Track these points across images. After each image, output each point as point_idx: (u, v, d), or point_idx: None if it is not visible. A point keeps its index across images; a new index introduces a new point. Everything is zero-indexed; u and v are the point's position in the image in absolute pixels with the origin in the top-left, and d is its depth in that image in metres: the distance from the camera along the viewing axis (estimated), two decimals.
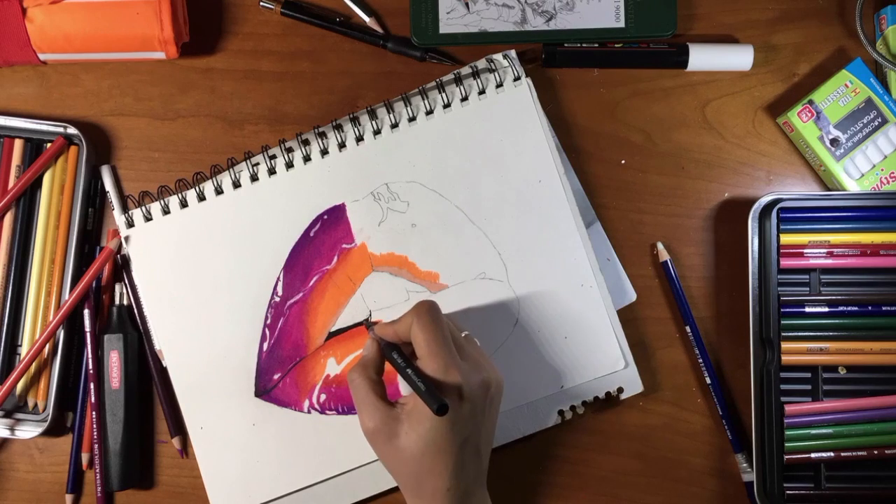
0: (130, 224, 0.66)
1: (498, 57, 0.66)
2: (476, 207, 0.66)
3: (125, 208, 0.67)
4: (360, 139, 0.66)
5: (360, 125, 0.65)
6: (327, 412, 0.65)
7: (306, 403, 0.65)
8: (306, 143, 0.66)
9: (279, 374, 0.65)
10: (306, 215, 0.66)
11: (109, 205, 0.67)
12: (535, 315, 0.65)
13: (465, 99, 0.66)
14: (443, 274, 0.66)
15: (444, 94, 0.65)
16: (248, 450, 0.65)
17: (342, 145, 0.66)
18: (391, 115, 0.65)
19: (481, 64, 0.66)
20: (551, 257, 0.65)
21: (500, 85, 0.66)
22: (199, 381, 0.65)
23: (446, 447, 0.55)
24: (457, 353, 0.57)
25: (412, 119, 0.66)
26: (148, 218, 0.65)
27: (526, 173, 0.66)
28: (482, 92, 0.66)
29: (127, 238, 0.65)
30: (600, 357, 0.65)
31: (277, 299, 0.66)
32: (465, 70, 0.66)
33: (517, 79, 0.66)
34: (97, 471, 0.65)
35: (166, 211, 0.66)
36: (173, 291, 0.65)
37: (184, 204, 0.66)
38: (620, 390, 0.66)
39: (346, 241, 0.66)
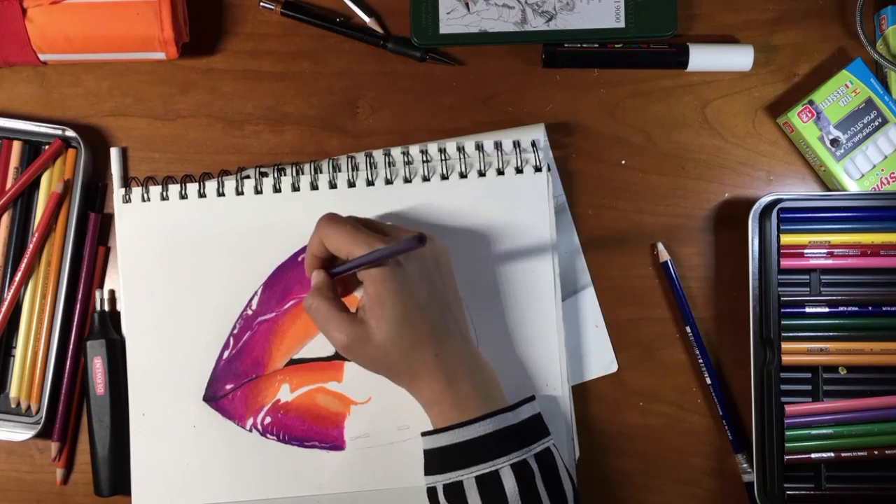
0: (127, 200, 0.66)
1: (525, 140, 0.65)
2: (464, 279, 0.64)
3: (126, 185, 0.66)
4: (370, 183, 0.65)
5: (375, 169, 0.65)
6: (268, 436, 0.64)
7: (250, 422, 0.65)
8: (318, 170, 0.66)
9: (231, 386, 0.65)
10: (298, 239, 0.65)
11: (109, 206, 0.67)
12: None
13: (482, 174, 0.65)
14: None
15: (463, 163, 0.65)
16: (182, 450, 0.64)
17: (352, 184, 0.65)
18: (407, 169, 0.65)
19: (507, 143, 0.65)
20: (525, 348, 0.65)
21: (519, 171, 0.65)
22: (154, 369, 0.65)
23: (413, 316, 0.56)
24: (375, 234, 0.57)
25: (426, 179, 0.65)
26: (145, 199, 0.65)
27: (522, 262, 0.65)
28: (501, 172, 0.65)
29: (120, 213, 0.65)
30: None
31: (250, 312, 0.65)
32: (488, 140, 0.66)
33: (538, 169, 0.65)
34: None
35: (164, 197, 0.65)
36: (151, 276, 0.65)
37: (183, 196, 0.65)
38: None
39: None
